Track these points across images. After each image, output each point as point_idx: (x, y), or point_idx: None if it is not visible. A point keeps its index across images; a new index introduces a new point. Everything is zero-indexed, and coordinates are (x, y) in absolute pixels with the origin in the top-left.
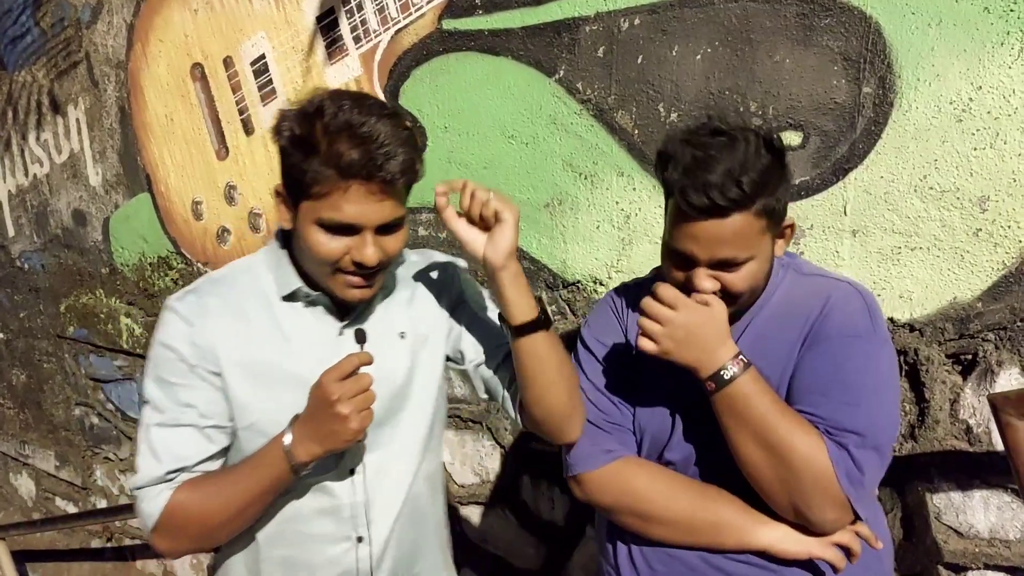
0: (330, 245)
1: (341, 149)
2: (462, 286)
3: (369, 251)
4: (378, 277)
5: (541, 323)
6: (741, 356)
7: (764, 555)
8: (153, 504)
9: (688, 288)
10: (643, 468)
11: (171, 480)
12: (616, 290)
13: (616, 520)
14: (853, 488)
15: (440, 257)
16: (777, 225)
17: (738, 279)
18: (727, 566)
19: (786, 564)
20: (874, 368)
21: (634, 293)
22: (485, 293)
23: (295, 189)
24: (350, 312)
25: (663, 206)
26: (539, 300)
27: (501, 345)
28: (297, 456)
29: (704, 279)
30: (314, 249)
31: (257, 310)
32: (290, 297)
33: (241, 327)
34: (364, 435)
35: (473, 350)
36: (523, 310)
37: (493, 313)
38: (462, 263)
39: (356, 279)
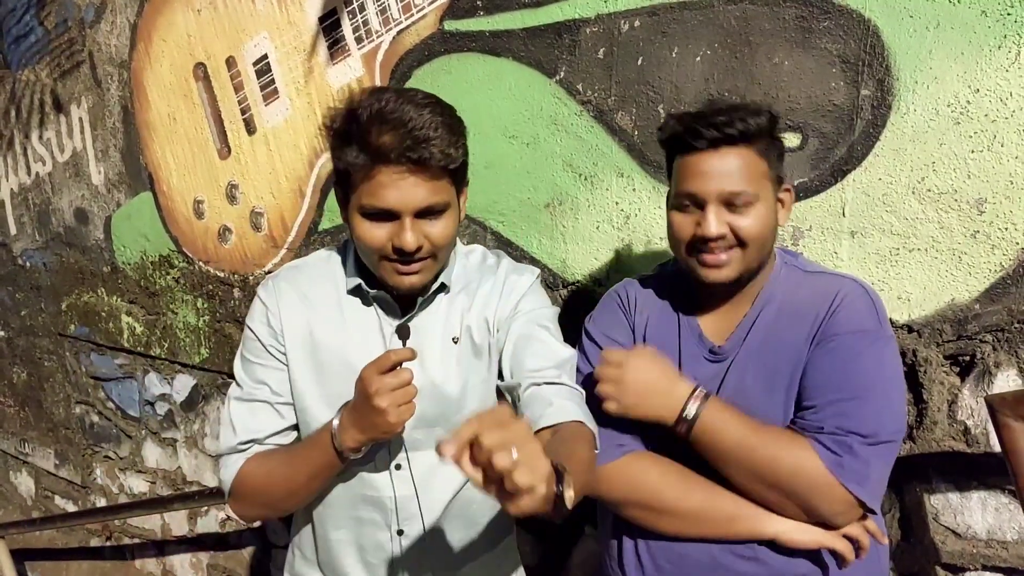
0: (373, 233)
1: (372, 135)
2: (522, 297)
3: (407, 236)
4: (426, 264)
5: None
6: (698, 390)
7: (774, 547)
8: (228, 472)
9: (698, 239)
10: (655, 462)
11: (244, 450)
12: (622, 285)
13: (626, 514)
14: (859, 485)
15: (512, 262)
16: (777, 182)
17: (746, 223)
18: (735, 564)
19: (792, 555)
20: (881, 365)
21: (639, 288)
22: (548, 312)
23: (342, 182)
24: (410, 310)
25: (663, 206)
26: (557, 475)
27: (538, 370)
28: (343, 441)
29: (714, 221)
30: (360, 239)
31: (325, 299)
32: (355, 292)
33: (308, 313)
34: (403, 428)
35: (508, 368)
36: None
37: (545, 334)
38: (533, 272)
39: (401, 266)
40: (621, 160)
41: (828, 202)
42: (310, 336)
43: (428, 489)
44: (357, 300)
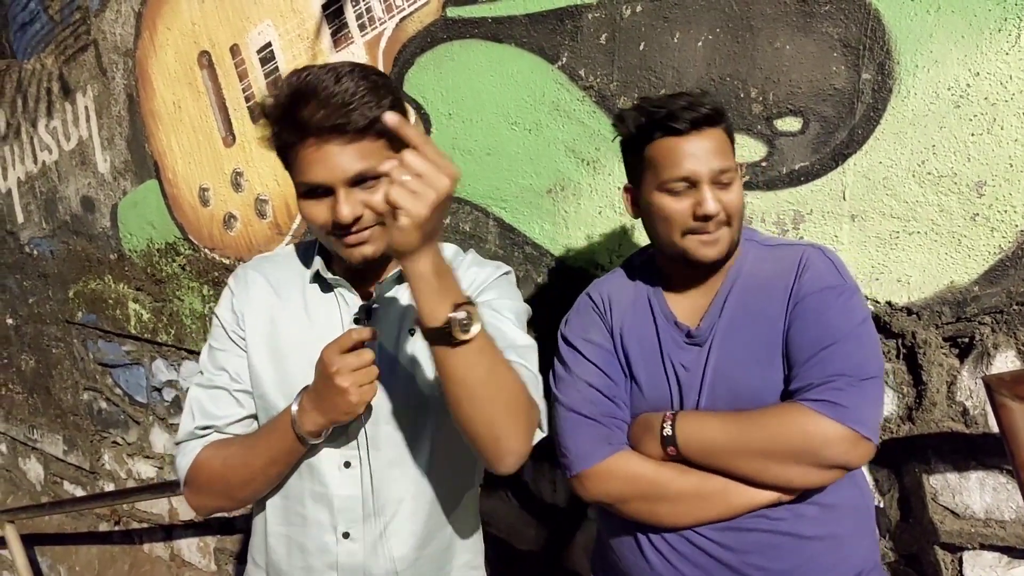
0: (314, 211)
1: (292, 111)
2: (481, 289)
3: (342, 209)
4: (374, 231)
5: (442, 335)
6: (668, 416)
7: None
8: (184, 459)
9: (698, 219)
10: (644, 456)
11: (202, 436)
12: (592, 287)
13: (626, 510)
14: (857, 422)
15: (477, 257)
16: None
17: (732, 199)
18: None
19: (797, 503)
20: (850, 312)
21: (610, 286)
22: (510, 303)
23: (285, 166)
24: (371, 298)
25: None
26: (460, 307)
27: None
28: (303, 425)
29: (711, 199)
30: (306, 219)
31: (291, 288)
32: (316, 280)
33: (272, 301)
34: (368, 409)
35: None
36: (426, 314)
37: (501, 322)
38: (500, 267)
39: (347, 238)
40: None
41: (829, 186)
42: (271, 323)
43: (380, 491)
44: (317, 290)
